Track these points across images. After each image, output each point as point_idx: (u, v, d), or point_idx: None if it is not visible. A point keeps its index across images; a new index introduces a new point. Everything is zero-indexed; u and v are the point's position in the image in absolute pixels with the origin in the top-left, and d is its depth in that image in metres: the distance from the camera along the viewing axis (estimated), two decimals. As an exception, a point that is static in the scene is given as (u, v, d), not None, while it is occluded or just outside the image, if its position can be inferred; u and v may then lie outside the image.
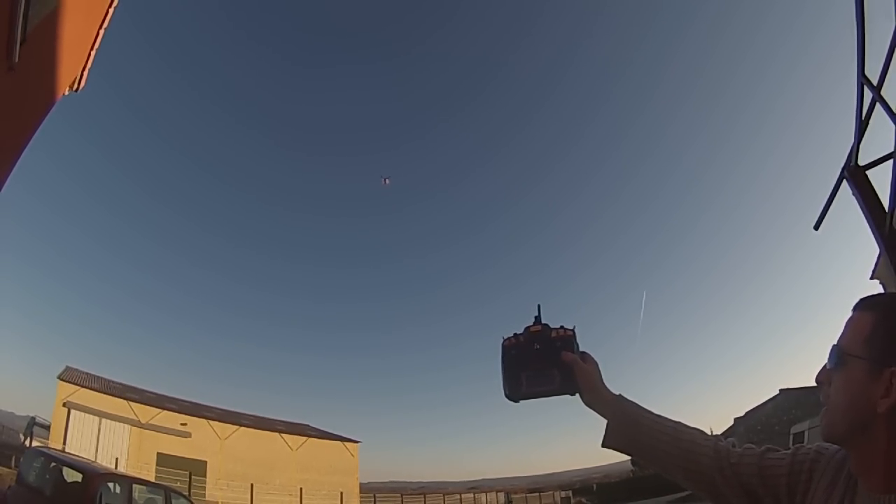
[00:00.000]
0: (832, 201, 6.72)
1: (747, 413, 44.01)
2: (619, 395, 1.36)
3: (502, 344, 1.48)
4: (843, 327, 1.09)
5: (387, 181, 68.62)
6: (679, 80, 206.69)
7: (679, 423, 1.29)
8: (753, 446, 1.23)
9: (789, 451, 1.18)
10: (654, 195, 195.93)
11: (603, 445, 1.34)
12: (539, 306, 1.50)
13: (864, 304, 1.06)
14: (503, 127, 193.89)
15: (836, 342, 1.07)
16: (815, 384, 1.12)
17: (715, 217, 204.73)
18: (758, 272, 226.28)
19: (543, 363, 1.42)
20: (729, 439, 1.26)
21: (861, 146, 5.83)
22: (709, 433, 1.29)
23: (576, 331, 1.45)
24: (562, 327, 1.46)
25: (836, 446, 1.11)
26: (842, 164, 6.14)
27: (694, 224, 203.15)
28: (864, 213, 5.74)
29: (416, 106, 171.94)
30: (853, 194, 5.97)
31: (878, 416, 0.96)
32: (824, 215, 7.01)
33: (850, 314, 1.09)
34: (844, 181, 6.15)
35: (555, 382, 1.40)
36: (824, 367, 1.10)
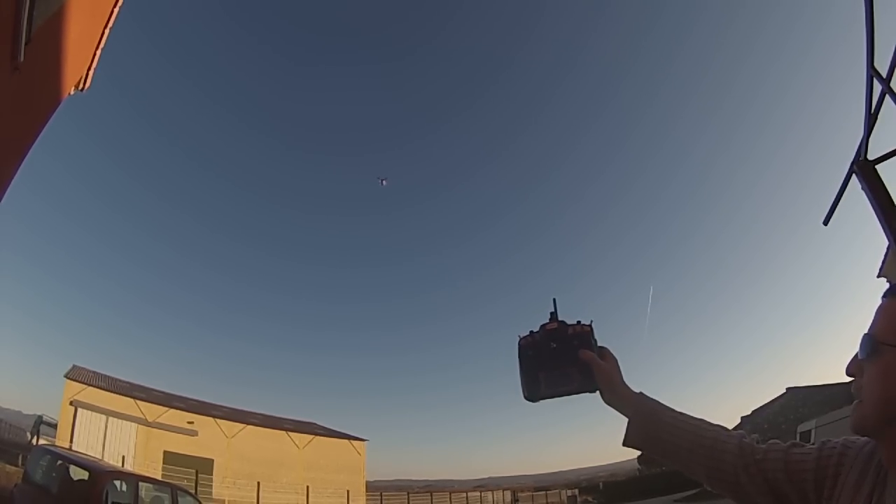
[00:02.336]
0: (841, 196, 6.65)
1: (754, 411, 43.97)
2: (640, 392, 1.33)
3: (518, 343, 1.43)
4: (873, 315, 1.04)
5: (384, 182, 68.74)
6: (686, 75, 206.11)
7: (702, 420, 1.26)
8: (778, 441, 1.19)
9: (815, 446, 1.14)
10: (661, 191, 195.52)
11: (624, 444, 1.31)
12: (555, 300, 1.45)
13: None
14: (511, 124, 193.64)
15: (867, 331, 1.02)
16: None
17: (723, 213, 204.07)
18: (766, 269, 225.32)
19: (561, 362, 1.37)
20: (753, 436, 1.23)
21: (871, 140, 5.77)
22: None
23: (593, 325, 1.41)
24: (578, 322, 1.41)
25: (863, 439, 1.08)
26: (851, 159, 6.07)
27: (702, 220, 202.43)
28: (873, 208, 5.68)
29: (425, 104, 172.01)
30: (862, 189, 5.90)
31: None
32: (833, 210, 6.94)
33: (880, 302, 1.04)
34: (854, 176, 6.08)
35: (574, 382, 1.36)
36: (855, 357, 1.05)
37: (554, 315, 1.44)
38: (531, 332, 1.43)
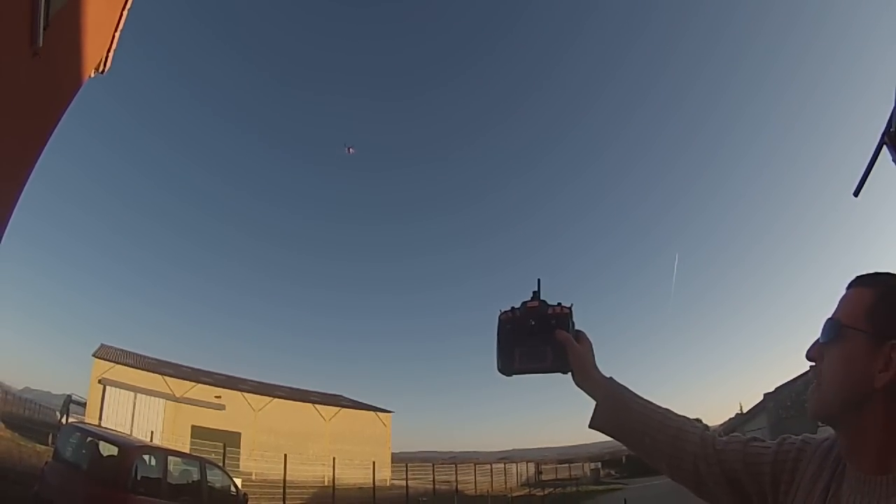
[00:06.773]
0: (871, 168, 6.49)
1: (777, 388, 43.53)
2: (611, 377, 1.36)
3: (499, 317, 1.47)
4: (836, 304, 1.08)
5: (350, 150, 68.90)
6: (714, 44, 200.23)
7: (668, 409, 1.30)
8: (739, 435, 1.23)
9: (776, 441, 1.18)
10: (683, 161, 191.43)
11: (590, 426, 1.35)
12: (539, 280, 1.48)
13: (863, 281, 1.06)
14: (526, 78, 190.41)
15: (830, 316, 1.06)
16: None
17: (750, 186, 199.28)
18: (796, 244, 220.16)
19: (538, 340, 1.41)
20: (715, 429, 1.26)
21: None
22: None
23: (573, 309, 1.44)
24: (559, 304, 1.44)
25: (822, 437, 1.12)
26: (882, 130, 5.92)
27: (727, 194, 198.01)
28: (905, 181, 5.55)
29: (428, 62, 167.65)
30: (893, 161, 5.77)
31: (874, 391, 0.94)
32: (864, 182, 6.77)
33: (844, 292, 1.08)
34: (884, 148, 5.94)
35: (547, 360, 1.39)
36: (816, 342, 1.08)
37: (536, 294, 1.46)
38: (513, 308, 1.47)
